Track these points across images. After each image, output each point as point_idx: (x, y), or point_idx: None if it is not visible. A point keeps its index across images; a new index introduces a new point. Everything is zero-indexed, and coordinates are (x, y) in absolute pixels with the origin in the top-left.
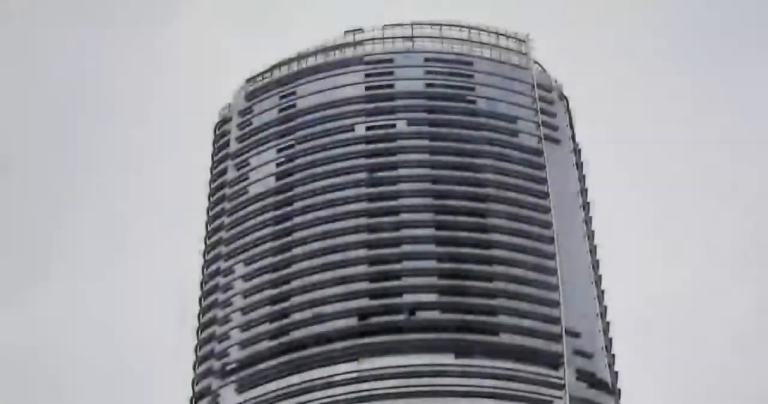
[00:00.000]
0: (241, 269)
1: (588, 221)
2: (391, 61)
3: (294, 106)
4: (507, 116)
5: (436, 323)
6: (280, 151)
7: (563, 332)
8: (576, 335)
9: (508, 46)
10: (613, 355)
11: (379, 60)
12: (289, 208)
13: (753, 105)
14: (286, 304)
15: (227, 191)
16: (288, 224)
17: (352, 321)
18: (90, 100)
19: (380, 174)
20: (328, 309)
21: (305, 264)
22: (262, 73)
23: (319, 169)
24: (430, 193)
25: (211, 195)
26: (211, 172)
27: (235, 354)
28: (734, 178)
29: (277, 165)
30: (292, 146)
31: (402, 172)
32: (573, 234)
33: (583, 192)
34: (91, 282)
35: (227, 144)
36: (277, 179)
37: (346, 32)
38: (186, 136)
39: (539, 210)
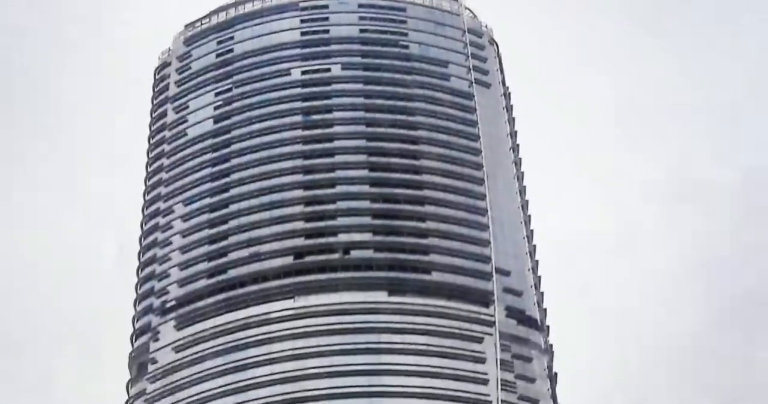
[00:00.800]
0: (180, 209)
1: (517, 163)
2: (325, 6)
3: (231, 50)
4: (439, 61)
5: (370, 262)
6: (218, 94)
7: (493, 270)
8: (506, 273)
9: None
10: (542, 293)
11: (314, 6)
12: (226, 150)
13: (684, 50)
14: (223, 243)
15: (167, 133)
16: (226, 165)
17: (288, 260)
18: (33, 46)
19: (315, 117)
20: (264, 248)
21: (242, 204)
22: (200, 19)
23: (255, 112)
24: (364, 136)
25: (151, 137)
26: (151, 115)
27: (174, 292)
28: (663, 120)
29: (215, 108)
30: (229, 90)
31: (336, 115)
32: (503, 176)
33: (513, 134)
34: (32, 222)
35: (167, 88)
36: (215, 122)
37: None
38: (128, 80)
39: (470, 152)
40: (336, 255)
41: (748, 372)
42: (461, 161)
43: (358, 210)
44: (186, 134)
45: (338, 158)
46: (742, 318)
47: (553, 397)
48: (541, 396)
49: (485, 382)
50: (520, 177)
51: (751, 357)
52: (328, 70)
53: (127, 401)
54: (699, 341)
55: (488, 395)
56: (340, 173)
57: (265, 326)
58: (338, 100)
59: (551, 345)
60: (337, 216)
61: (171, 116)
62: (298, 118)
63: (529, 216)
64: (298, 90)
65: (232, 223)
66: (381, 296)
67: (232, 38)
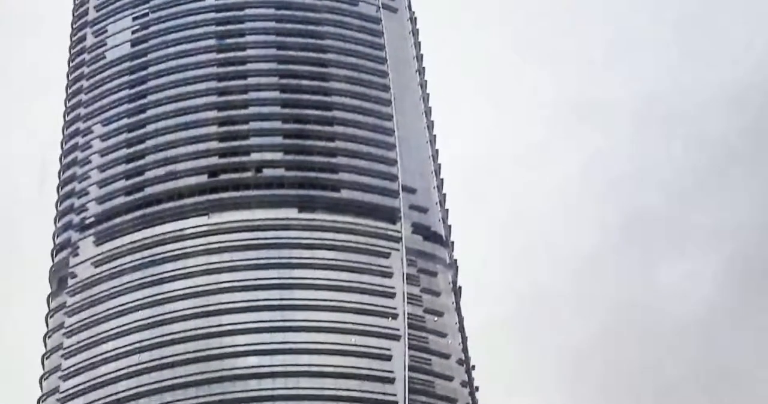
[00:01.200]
0: (99, 129)
1: (423, 85)
2: None
3: None
4: None
5: (281, 180)
6: (135, 18)
7: (400, 188)
8: (412, 191)
9: None
10: (447, 210)
11: None
12: (143, 73)
13: None
14: (140, 162)
15: (86, 57)
16: (143, 87)
17: (203, 179)
18: None
19: (229, 40)
20: (180, 167)
21: (159, 124)
22: None
23: (171, 36)
24: (276, 59)
25: (71, 60)
26: (71, 39)
27: (93, 209)
28: (565, 41)
29: (133, 32)
30: (146, 14)
31: (249, 38)
32: (409, 97)
33: (419, 58)
34: None
35: (86, 12)
36: (133, 45)
37: None
38: (48, 4)
39: (377, 75)
40: (249, 174)
41: (646, 283)
42: (369, 83)
43: (270, 130)
44: (104, 57)
45: (251, 80)
46: (639, 232)
47: (458, 310)
48: (446, 308)
49: (392, 296)
50: (425, 98)
51: (648, 269)
52: None
53: (47, 313)
54: (600, 254)
55: (395, 308)
56: (252, 95)
57: (180, 242)
58: (251, 24)
59: (456, 260)
60: (250, 136)
61: (90, 40)
62: (212, 42)
63: (434, 136)
64: (213, 15)
65: (149, 143)
66: (292, 213)
67: None
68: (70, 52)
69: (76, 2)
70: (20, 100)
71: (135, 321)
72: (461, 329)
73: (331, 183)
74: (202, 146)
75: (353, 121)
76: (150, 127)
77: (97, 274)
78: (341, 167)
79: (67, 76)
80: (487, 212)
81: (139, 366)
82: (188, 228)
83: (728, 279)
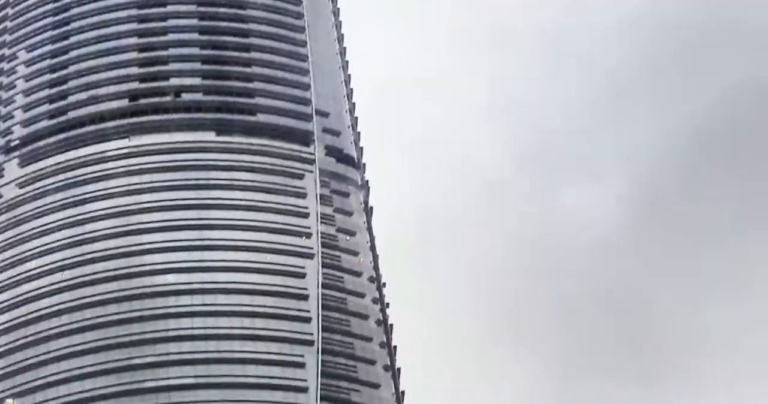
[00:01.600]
0: (23, 55)
1: (336, 12)
2: None
3: None
4: None
5: (200, 104)
6: None
7: (313, 112)
8: (325, 115)
9: None
10: (359, 133)
11: None
12: (67, 0)
13: None
14: (63, 87)
15: None
16: (66, 15)
17: (124, 103)
18: None
19: None
20: (102, 91)
21: (81, 51)
22: None
23: None
24: None
25: None
26: None
27: (18, 132)
28: None
29: None
30: None
31: None
32: (322, 25)
33: None
34: None
35: None
36: None
37: None
38: None
39: (292, 3)
40: (168, 98)
41: (552, 207)
42: (284, 11)
43: (189, 56)
44: None
45: (170, 8)
46: (545, 157)
47: (369, 229)
48: (358, 228)
49: (306, 215)
50: (338, 26)
51: (554, 193)
52: None
53: None
54: (507, 178)
55: (309, 227)
56: (171, 22)
57: (101, 164)
58: None
59: (367, 181)
60: (169, 61)
61: None
62: None
63: (347, 62)
64: None
65: (72, 68)
66: (209, 136)
67: None
68: None
69: None
70: None
71: (58, 241)
72: (372, 248)
73: (247, 107)
74: (122, 72)
75: (269, 47)
76: (73, 53)
77: (22, 195)
78: (257, 92)
79: None
80: (398, 135)
81: (62, 284)
82: (110, 150)
83: (632, 201)
